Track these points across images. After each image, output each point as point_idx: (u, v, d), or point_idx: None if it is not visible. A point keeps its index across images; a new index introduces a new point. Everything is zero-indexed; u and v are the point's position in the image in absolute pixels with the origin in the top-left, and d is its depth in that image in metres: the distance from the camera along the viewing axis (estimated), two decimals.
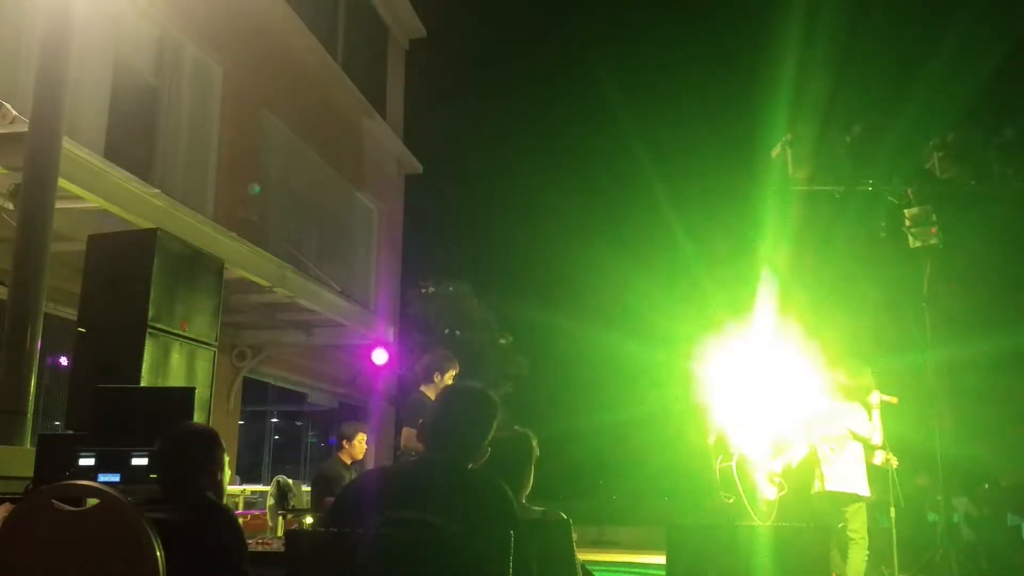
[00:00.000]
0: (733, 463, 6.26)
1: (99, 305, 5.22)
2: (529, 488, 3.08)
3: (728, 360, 7.02)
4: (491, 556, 2.22)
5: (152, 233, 5.40)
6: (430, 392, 5.61)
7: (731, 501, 6.14)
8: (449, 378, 5.71)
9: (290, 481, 7.81)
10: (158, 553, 2.31)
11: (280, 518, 7.35)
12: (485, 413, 2.56)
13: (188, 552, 2.57)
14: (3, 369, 4.98)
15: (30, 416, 4.99)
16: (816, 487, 6.56)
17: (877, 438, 6.63)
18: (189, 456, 2.95)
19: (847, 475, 6.51)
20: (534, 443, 3.13)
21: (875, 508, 7.17)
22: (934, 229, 8.46)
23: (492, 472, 3.01)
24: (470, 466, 2.49)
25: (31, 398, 4.99)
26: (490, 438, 2.55)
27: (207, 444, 3.01)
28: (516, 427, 3.16)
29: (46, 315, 5.37)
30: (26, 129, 5.49)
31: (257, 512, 9.35)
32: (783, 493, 6.38)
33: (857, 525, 6.42)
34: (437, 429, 2.50)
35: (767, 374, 6.80)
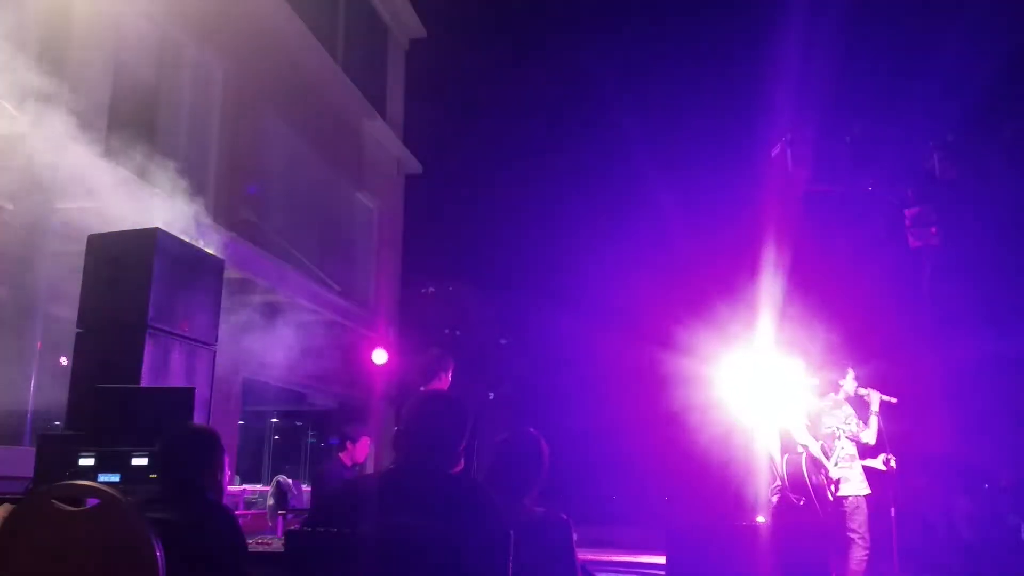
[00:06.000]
0: (803, 461, 6.26)
1: (99, 305, 5.22)
2: (537, 489, 3.08)
3: (731, 360, 7.04)
4: (485, 556, 2.24)
5: (152, 233, 5.40)
6: None
7: (801, 503, 6.14)
8: (448, 376, 5.73)
9: (290, 481, 7.81)
10: (158, 553, 2.31)
11: (280, 518, 7.35)
12: (459, 419, 2.59)
13: (188, 552, 2.57)
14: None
15: (29, 416, 5.00)
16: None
17: (869, 437, 6.63)
18: (190, 457, 2.95)
19: (845, 475, 6.51)
20: (543, 444, 3.13)
21: (875, 508, 7.17)
22: (934, 229, 8.47)
23: (500, 472, 3.03)
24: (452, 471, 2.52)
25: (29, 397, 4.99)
26: (464, 443, 2.59)
27: (208, 445, 3.01)
28: (531, 428, 3.17)
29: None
30: (26, 129, 5.49)
31: (257, 512, 9.34)
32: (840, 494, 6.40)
33: (856, 524, 6.41)
34: (414, 437, 2.53)
35: (769, 374, 6.81)
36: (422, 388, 5.74)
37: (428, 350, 6.10)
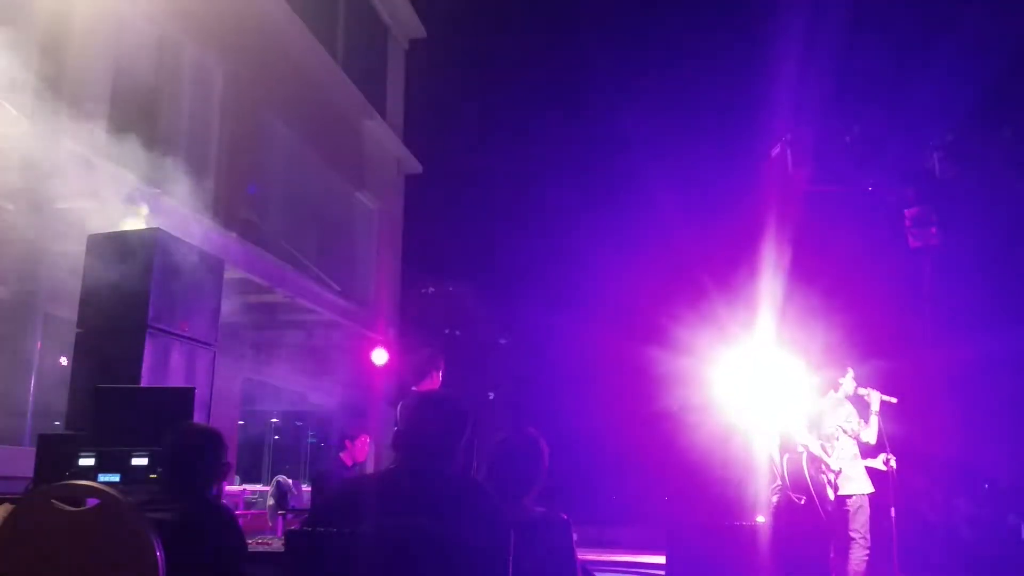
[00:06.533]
0: (803, 459, 6.25)
1: (99, 305, 5.22)
2: (537, 489, 3.08)
3: (731, 360, 7.03)
4: (485, 556, 2.24)
5: (152, 233, 5.41)
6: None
7: (802, 502, 6.13)
8: (439, 374, 5.76)
9: (290, 481, 7.82)
10: (157, 553, 2.31)
11: (280, 518, 7.35)
12: (457, 419, 2.61)
13: (188, 552, 2.57)
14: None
15: (29, 416, 5.00)
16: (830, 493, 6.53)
17: (870, 437, 6.63)
18: (196, 456, 2.95)
19: (849, 474, 6.50)
20: (543, 444, 3.13)
21: (875, 508, 7.18)
22: (934, 229, 8.47)
23: (500, 471, 3.03)
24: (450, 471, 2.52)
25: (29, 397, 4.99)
26: (462, 444, 2.59)
27: (214, 445, 3.01)
28: (531, 428, 3.17)
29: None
30: (27, 129, 5.49)
31: (257, 512, 9.35)
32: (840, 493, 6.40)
33: (858, 524, 6.40)
34: (413, 437, 2.53)
35: (768, 374, 6.80)
36: (413, 387, 5.76)
37: (419, 350, 6.13)
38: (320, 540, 2.32)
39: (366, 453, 7.06)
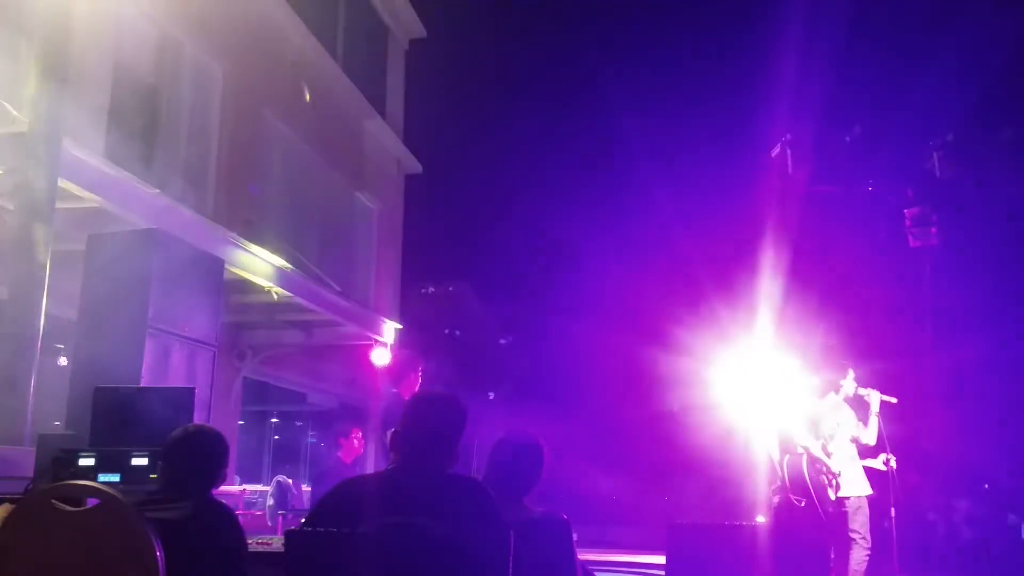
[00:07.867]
0: (803, 461, 6.25)
1: (99, 305, 5.22)
2: (536, 489, 3.08)
3: (731, 360, 7.03)
4: (485, 556, 2.25)
5: (152, 233, 5.41)
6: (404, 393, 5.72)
7: (802, 504, 6.12)
8: (418, 375, 5.79)
9: (290, 481, 7.82)
10: (157, 553, 2.31)
11: (280, 518, 7.36)
12: (455, 418, 2.59)
13: (189, 551, 2.57)
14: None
15: (29, 416, 5.00)
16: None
17: (869, 438, 6.63)
18: (202, 458, 2.95)
19: (847, 476, 6.50)
20: (542, 444, 3.13)
21: (875, 508, 7.18)
22: (934, 229, 8.47)
23: (500, 471, 3.03)
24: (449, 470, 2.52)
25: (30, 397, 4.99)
26: (461, 442, 2.58)
27: (219, 446, 3.02)
28: (530, 428, 3.17)
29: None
30: (26, 129, 5.49)
31: (257, 512, 9.34)
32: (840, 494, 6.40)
33: (858, 524, 6.40)
34: (411, 437, 2.53)
35: (768, 374, 6.81)
36: (393, 390, 5.79)
37: (400, 352, 6.20)
38: (320, 540, 2.32)
39: (362, 448, 7.08)
